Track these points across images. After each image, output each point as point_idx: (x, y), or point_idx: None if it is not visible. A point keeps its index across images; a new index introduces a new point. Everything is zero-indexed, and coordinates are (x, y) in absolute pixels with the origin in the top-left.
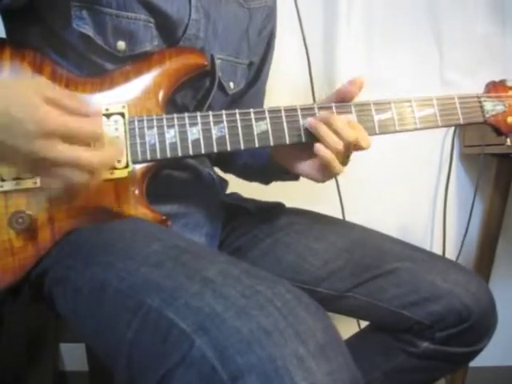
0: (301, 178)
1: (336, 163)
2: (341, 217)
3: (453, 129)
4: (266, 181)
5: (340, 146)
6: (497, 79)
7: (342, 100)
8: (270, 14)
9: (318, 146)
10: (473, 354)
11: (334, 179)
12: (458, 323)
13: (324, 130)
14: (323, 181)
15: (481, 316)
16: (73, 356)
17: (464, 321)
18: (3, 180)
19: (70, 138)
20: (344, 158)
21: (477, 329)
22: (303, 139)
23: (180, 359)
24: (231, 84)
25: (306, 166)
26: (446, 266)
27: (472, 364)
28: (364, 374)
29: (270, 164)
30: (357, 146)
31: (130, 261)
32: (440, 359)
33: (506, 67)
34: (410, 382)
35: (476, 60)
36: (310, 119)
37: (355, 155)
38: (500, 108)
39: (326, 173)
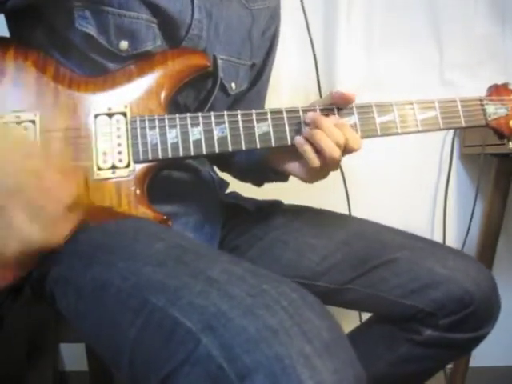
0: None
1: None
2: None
3: None
4: (257, 181)
5: (337, 153)
6: (497, 79)
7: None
8: (274, 15)
9: (310, 159)
10: (477, 340)
11: (340, 179)
12: (460, 309)
13: (321, 138)
14: (311, 182)
15: (483, 301)
16: (73, 356)
17: (466, 306)
18: None
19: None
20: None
21: (480, 314)
22: None
23: (185, 358)
24: (233, 85)
25: (294, 166)
26: (445, 252)
27: (472, 364)
28: (368, 365)
29: (259, 163)
30: (347, 148)
31: (132, 260)
32: (444, 346)
33: (505, 67)
34: (414, 371)
35: (476, 60)
36: (300, 135)
37: (356, 155)
38: (502, 111)
39: (314, 175)
